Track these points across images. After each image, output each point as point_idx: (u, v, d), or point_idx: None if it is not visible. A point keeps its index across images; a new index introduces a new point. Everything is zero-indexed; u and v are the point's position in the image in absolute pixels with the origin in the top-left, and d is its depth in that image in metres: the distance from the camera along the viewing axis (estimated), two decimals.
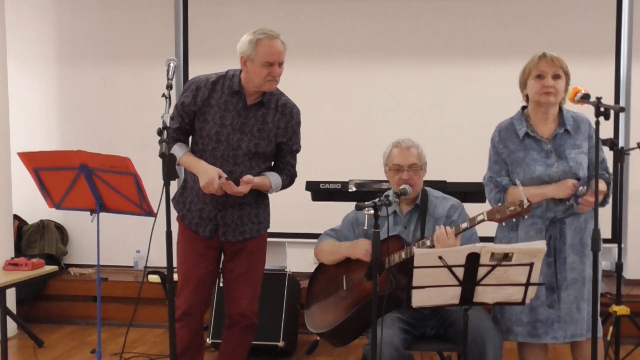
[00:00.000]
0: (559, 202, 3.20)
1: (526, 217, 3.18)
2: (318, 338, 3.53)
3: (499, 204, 3.13)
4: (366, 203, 3.03)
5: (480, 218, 3.14)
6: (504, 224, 3.13)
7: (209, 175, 3.27)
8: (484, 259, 2.80)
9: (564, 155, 3.19)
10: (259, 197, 3.49)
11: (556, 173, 3.18)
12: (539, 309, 3.21)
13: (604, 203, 3.25)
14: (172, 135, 3.39)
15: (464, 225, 3.18)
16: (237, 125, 3.36)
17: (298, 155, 3.56)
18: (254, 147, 3.36)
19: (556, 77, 3.17)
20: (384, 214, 3.22)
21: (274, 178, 3.44)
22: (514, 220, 3.13)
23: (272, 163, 3.52)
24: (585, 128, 3.25)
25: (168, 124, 2.85)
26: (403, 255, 3.23)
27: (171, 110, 2.98)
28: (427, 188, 3.53)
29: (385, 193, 3.29)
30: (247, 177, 3.30)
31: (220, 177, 3.28)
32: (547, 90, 3.16)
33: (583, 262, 3.21)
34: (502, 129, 3.33)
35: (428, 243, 3.21)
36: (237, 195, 3.31)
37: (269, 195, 3.54)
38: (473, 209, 3.53)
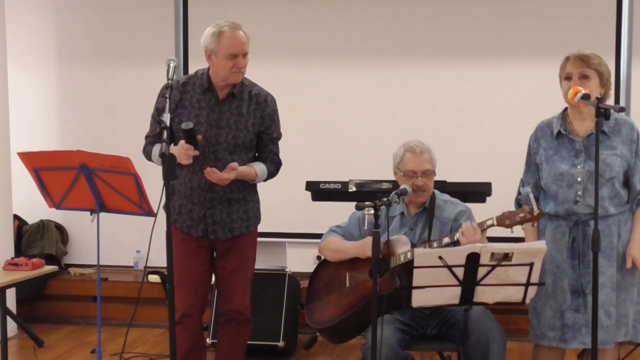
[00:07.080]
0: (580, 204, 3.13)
1: (535, 224, 3.16)
2: (317, 334, 3.53)
3: (509, 210, 3.12)
4: (366, 203, 3.02)
5: (489, 223, 3.15)
6: (512, 230, 3.11)
7: (178, 148, 3.24)
8: (484, 259, 2.81)
9: (593, 156, 3.07)
10: (248, 194, 3.50)
11: (580, 173, 3.11)
12: (566, 314, 3.14)
13: None
14: (152, 141, 3.45)
15: None
16: (212, 121, 3.38)
17: (298, 154, 3.57)
18: (233, 139, 3.38)
19: (584, 77, 3.10)
20: (392, 214, 3.20)
21: (258, 167, 3.45)
22: (522, 227, 3.11)
23: (255, 154, 3.52)
24: (627, 131, 3.16)
25: (168, 124, 2.87)
26: (409, 255, 3.22)
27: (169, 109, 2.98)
28: (435, 191, 3.53)
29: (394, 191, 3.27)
30: (233, 164, 3.31)
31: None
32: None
33: (612, 267, 3.10)
34: (539, 128, 3.29)
35: (447, 240, 3.21)
36: (222, 183, 3.31)
37: (268, 194, 3.54)
38: (473, 209, 3.53)
